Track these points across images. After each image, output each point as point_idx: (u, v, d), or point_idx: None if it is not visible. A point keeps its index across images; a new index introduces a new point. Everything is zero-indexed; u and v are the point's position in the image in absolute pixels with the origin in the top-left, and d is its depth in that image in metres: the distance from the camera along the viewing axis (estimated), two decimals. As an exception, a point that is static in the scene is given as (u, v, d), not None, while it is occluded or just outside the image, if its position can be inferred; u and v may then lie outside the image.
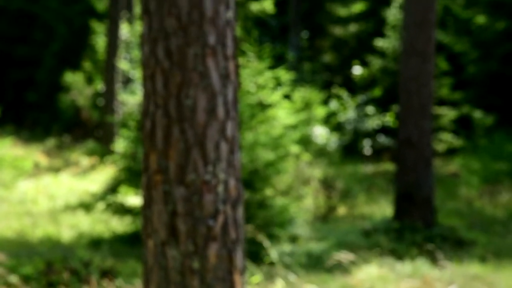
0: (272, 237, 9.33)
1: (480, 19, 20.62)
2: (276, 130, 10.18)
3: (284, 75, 11.08)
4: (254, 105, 10.17)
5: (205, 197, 3.97)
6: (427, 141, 11.29)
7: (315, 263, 8.95)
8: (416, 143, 11.24)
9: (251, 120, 10.00)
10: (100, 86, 23.22)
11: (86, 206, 13.36)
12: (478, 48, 20.56)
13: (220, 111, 4.00)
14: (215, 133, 4.00)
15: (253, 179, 9.58)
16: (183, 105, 3.95)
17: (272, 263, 8.38)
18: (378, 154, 19.81)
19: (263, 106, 10.39)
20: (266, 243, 8.11)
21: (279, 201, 9.73)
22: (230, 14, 4.05)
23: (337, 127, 19.95)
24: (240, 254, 4.06)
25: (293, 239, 10.03)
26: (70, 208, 13.52)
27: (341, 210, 13.64)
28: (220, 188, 4.01)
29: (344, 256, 7.09)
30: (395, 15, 19.95)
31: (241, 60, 10.45)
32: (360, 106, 20.45)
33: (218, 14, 4.00)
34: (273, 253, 8.45)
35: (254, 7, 20.85)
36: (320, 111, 18.53)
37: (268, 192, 9.88)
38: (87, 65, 24.86)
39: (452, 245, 10.26)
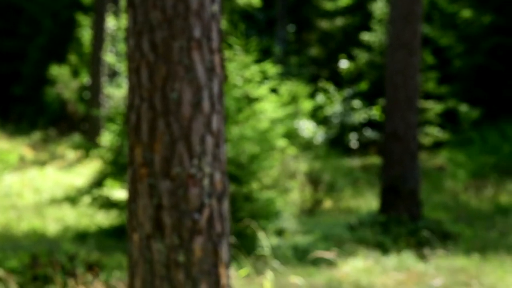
0: (258, 230, 9.33)
1: (466, 13, 20.66)
2: (262, 124, 10.18)
3: (271, 68, 11.07)
4: (240, 98, 10.16)
5: (190, 190, 3.97)
6: (413, 135, 11.31)
7: (301, 256, 8.96)
8: (402, 136, 11.26)
9: (237, 114, 10.00)
10: (86, 79, 23.14)
11: (72, 200, 13.32)
12: (464, 42, 20.61)
13: (206, 105, 3.99)
14: (201, 127, 3.99)
15: (239, 173, 9.58)
16: (168, 98, 3.94)
17: (260, 256, 8.39)
18: (365, 147, 19.85)
19: (249, 100, 10.38)
20: (261, 235, 8.12)
21: (265, 194, 9.73)
22: (215, 7, 4.04)
23: (323, 121, 19.98)
24: (226, 248, 4.06)
25: (279, 232, 10.04)
26: (55, 201, 13.48)
27: (327, 204, 13.66)
28: (206, 182, 4.00)
29: (327, 253, 7.10)
30: (381, 8, 19.97)
31: (227, 54, 10.43)
32: (346, 100, 20.48)
33: (204, 7, 3.99)
34: (266, 245, 8.46)
35: (241, 0, 20.82)
36: (306, 105, 18.54)
37: (254, 185, 9.88)
38: (73, 58, 24.77)
39: (438, 238, 10.29)
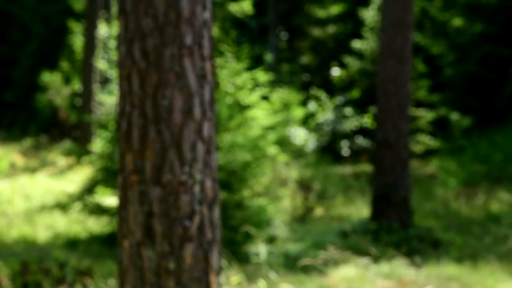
0: (250, 238, 9.33)
1: (457, 21, 20.73)
2: (253, 131, 10.18)
3: (263, 76, 11.08)
4: (232, 106, 10.17)
5: (181, 197, 3.96)
6: (404, 143, 11.33)
7: (292, 264, 8.96)
8: (393, 144, 11.28)
9: (229, 121, 10.00)
10: (77, 86, 23.11)
11: (63, 207, 13.29)
12: (455, 50, 20.67)
13: (197, 112, 4.00)
14: (192, 134, 3.99)
15: (231, 180, 9.58)
16: (159, 106, 3.94)
17: (252, 263, 8.38)
18: (356, 155, 19.86)
19: (241, 107, 10.39)
20: (258, 241, 8.12)
21: (257, 202, 9.73)
22: (207, 14, 4.04)
23: (315, 128, 19.99)
24: (216, 255, 4.06)
25: (271, 239, 10.04)
26: (46, 208, 13.45)
27: (319, 211, 13.66)
28: (197, 189, 4.00)
29: (330, 253, 7.11)
30: (373, 16, 20.02)
31: (218, 61, 10.44)
32: (338, 107, 20.51)
33: (195, 14, 4.00)
34: (258, 253, 8.46)
35: (233, 7, 20.84)
36: (298, 112, 18.55)
37: (246, 193, 9.88)
38: (64, 65, 24.74)
39: (428, 246, 10.30)
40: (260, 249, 9.13)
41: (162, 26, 3.95)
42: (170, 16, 3.96)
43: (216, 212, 4.08)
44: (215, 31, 18.58)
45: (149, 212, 3.96)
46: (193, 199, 4.00)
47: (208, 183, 4.06)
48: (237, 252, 8.73)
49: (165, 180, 3.95)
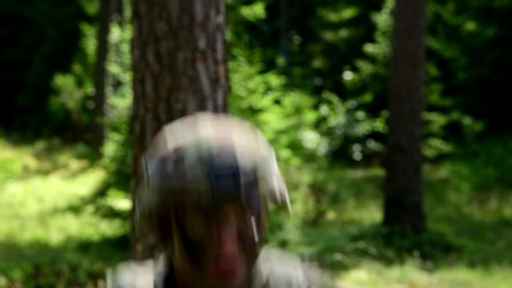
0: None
1: (470, 25, 20.68)
2: (265, 135, 10.18)
3: (275, 79, 11.09)
4: (244, 109, 10.17)
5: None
6: (417, 147, 11.31)
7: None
8: (405, 148, 11.26)
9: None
10: (90, 89, 23.17)
11: (75, 209, 13.33)
12: (468, 54, 20.62)
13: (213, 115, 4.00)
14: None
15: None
16: (173, 109, 3.95)
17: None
18: (368, 159, 19.83)
19: (253, 111, 10.39)
20: (270, 245, 8.12)
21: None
22: (220, 18, 4.05)
23: (327, 132, 19.97)
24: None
25: (283, 243, 10.03)
26: (59, 211, 13.49)
27: (331, 215, 13.65)
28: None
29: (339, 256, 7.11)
30: (386, 20, 20.00)
31: (231, 65, 10.45)
32: (350, 111, 20.48)
33: (209, 18, 4.01)
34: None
35: (245, 11, 20.87)
36: (310, 116, 18.54)
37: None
38: (77, 68, 24.82)
39: (441, 250, 10.27)
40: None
41: (175, 30, 3.96)
42: (184, 20, 3.97)
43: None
44: (228, 35, 18.59)
45: (162, 216, 3.96)
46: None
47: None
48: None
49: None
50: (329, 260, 9.08)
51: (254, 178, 1.68)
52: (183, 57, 3.97)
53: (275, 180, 1.76)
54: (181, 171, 1.67)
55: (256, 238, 1.74)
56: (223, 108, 4.06)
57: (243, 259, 1.70)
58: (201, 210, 1.66)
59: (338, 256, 9.09)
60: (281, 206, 1.78)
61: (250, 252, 1.72)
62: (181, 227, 1.71)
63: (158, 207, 1.71)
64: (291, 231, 10.28)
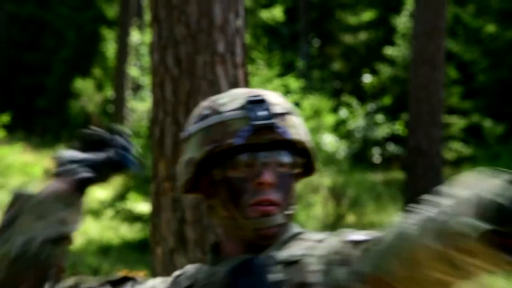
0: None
1: (490, 28, 20.59)
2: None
3: (294, 82, 11.09)
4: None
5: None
6: (437, 150, 11.26)
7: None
8: (425, 151, 11.22)
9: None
10: (110, 92, 23.27)
11: (95, 213, 13.37)
12: (488, 56, 20.52)
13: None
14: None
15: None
16: (192, 113, 3.96)
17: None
18: (388, 162, 19.77)
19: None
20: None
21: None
22: (239, 22, 4.05)
23: (346, 135, 19.92)
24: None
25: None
26: (79, 214, 13.52)
27: (350, 218, 13.62)
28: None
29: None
30: (405, 23, 19.95)
31: (250, 68, 10.45)
32: (369, 114, 20.43)
33: (228, 22, 4.01)
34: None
35: (264, 14, 20.90)
36: (329, 119, 18.50)
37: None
38: (97, 71, 24.92)
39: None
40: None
41: (195, 34, 3.97)
42: (203, 23, 3.97)
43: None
44: (247, 38, 18.61)
45: (182, 219, 3.97)
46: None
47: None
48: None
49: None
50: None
51: (285, 114, 1.83)
52: (202, 61, 3.98)
53: (305, 132, 1.91)
54: (218, 110, 1.85)
55: (291, 183, 1.84)
56: (242, 111, 4.06)
57: (280, 196, 1.79)
58: (240, 141, 1.76)
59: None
60: (311, 159, 1.92)
61: (286, 192, 1.82)
62: (223, 170, 1.80)
63: (202, 156, 1.81)
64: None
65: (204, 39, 3.97)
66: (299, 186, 7.89)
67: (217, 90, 3.97)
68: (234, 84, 4.02)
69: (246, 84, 4.12)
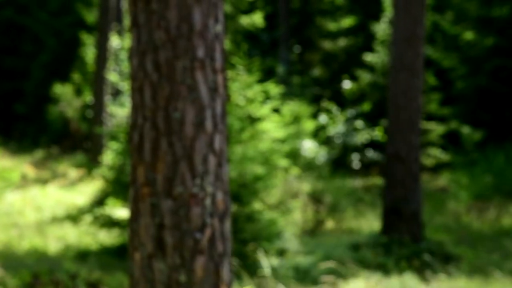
0: (260, 251, 9.32)
1: (469, 35, 20.71)
2: (264, 144, 10.18)
3: (274, 88, 11.09)
4: (243, 118, 10.17)
5: (192, 210, 3.97)
6: (415, 156, 11.31)
7: (302, 277, 8.94)
8: (404, 157, 11.26)
9: (240, 134, 10.00)
10: (89, 98, 23.19)
11: (73, 218, 13.31)
12: (467, 63, 20.64)
13: (208, 124, 4.00)
14: (203, 146, 4.00)
15: (241, 193, 9.57)
16: (171, 118, 3.95)
17: (262, 276, 8.37)
18: (367, 168, 19.83)
19: (252, 120, 10.39)
20: (260, 256, 8.11)
21: (267, 215, 9.72)
22: (219, 27, 4.05)
23: (326, 141, 19.98)
24: (227, 268, 4.06)
25: (281, 252, 10.02)
26: (57, 220, 13.47)
27: (329, 224, 13.64)
28: (208, 201, 4.00)
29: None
30: (384, 30, 20.03)
31: (230, 74, 10.45)
32: (349, 120, 20.49)
33: (207, 27, 4.01)
34: (266, 266, 8.45)
35: (244, 20, 20.90)
36: (309, 125, 18.55)
37: (256, 205, 9.87)
38: (76, 76, 24.83)
39: (440, 260, 10.26)
40: (270, 262, 9.11)
41: (174, 39, 3.97)
42: (183, 29, 3.97)
43: (227, 225, 4.08)
44: (227, 44, 18.63)
45: (160, 225, 3.96)
46: (204, 212, 4.00)
47: (219, 196, 4.06)
48: (247, 265, 8.72)
49: (176, 192, 3.96)
50: (327, 269, 9.07)
51: None
52: (181, 66, 3.97)
53: None
54: None
55: None
56: (221, 117, 4.06)
57: None
58: None
59: (336, 266, 9.08)
60: None
61: None
62: None
63: None
64: (290, 240, 10.27)
65: (183, 44, 3.97)
66: (278, 191, 7.90)
67: (197, 96, 3.98)
68: (214, 90, 4.02)
69: (226, 90, 4.12)
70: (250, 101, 10.45)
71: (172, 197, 3.96)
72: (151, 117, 3.97)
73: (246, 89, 10.42)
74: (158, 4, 3.93)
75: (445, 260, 10.33)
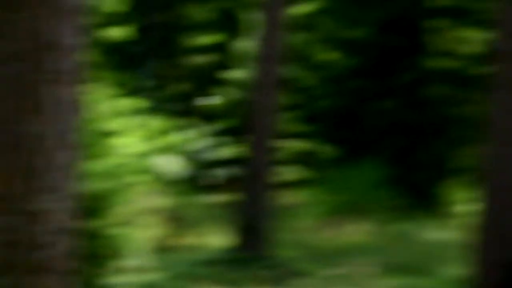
0: (110, 269, 9.21)
1: (332, 55, 21.18)
2: (119, 159, 10.08)
3: (134, 103, 11.02)
4: (97, 133, 10.05)
5: (33, 227, 3.88)
6: (270, 173, 11.48)
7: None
8: (259, 174, 11.41)
9: (92, 148, 9.87)
10: None
11: None
12: (329, 83, 21.10)
13: (53, 139, 3.93)
14: (46, 161, 3.92)
15: (90, 208, 9.43)
16: (14, 132, 3.86)
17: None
18: (230, 184, 19.94)
19: (106, 134, 10.28)
20: (108, 274, 8.01)
21: (118, 231, 9.61)
22: (76, 39, 3.98)
23: (186, 157, 19.98)
24: (70, 286, 3.99)
25: (133, 270, 9.93)
26: None
27: (186, 240, 13.62)
28: (51, 218, 3.92)
29: None
30: (244, 48, 20.27)
31: (85, 87, 10.30)
32: (211, 136, 20.59)
33: (59, 39, 3.93)
34: (123, 284, 8.36)
35: (107, 33, 20.68)
36: (170, 140, 18.50)
37: (106, 221, 9.74)
38: None
39: (289, 276, 10.42)
40: (121, 280, 9.02)
41: (24, 52, 3.88)
42: (33, 40, 3.88)
43: (70, 243, 4.02)
44: (87, 56, 18.29)
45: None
46: (46, 229, 3.92)
47: (63, 212, 4.00)
48: (95, 284, 8.59)
49: (16, 209, 3.87)
50: (180, 286, 9.06)
51: None
52: (29, 79, 3.89)
53: None
54: None
55: None
56: (69, 131, 4.00)
57: None
58: None
59: (188, 282, 9.10)
60: None
61: None
62: None
63: None
64: (143, 256, 10.20)
65: (32, 56, 3.88)
66: (132, 207, 7.81)
67: (42, 110, 3.90)
68: (62, 104, 3.96)
69: (76, 104, 4.06)
70: (106, 115, 10.33)
71: (12, 213, 3.86)
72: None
73: (102, 103, 10.31)
74: (7, 15, 3.83)
75: (294, 276, 10.49)
